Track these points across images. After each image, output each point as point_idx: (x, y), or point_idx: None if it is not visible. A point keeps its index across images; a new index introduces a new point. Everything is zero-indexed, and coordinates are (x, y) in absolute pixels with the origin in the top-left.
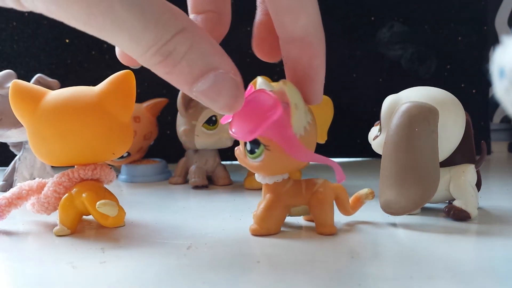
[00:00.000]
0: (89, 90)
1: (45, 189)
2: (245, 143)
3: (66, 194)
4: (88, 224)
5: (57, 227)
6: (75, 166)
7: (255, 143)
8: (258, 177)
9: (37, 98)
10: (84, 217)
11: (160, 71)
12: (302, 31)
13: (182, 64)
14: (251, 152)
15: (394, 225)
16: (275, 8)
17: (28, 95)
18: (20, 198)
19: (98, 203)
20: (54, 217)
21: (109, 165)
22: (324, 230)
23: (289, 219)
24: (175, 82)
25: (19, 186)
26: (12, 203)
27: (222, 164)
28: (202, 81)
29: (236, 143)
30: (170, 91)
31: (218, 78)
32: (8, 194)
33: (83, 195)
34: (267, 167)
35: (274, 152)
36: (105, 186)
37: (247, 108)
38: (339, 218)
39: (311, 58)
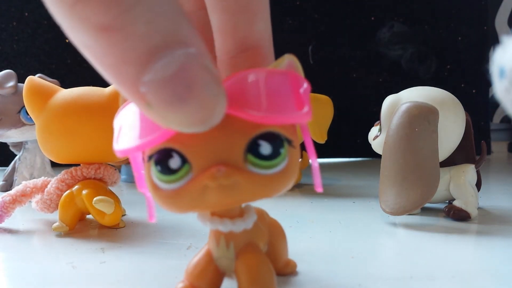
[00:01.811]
0: (99, 91)
1: (48, 186)
2: (251, 147)
3: (67, 192)
4: (88, 224)
5: (56, 223)
6: (80, 165)
7: (277, 139)
8: (223, 224)
9: (48, 94)
10: (85, 217)
11: (90, 27)
12: (258, 38)
13: (135, 15)
14: (274, 155)
15: (394, 225)
16: (230, 5)
17: (39, 91)
18: (24, 195)
19: (94, 199)
20: (55, 217)
21: (111, 165)
22: None
23: (287, 214)
24: (111, 58)
25: (24, 183)
26: (16, 200)
27: None
28: (163, 60)
29: None
30: None
31: (188, 61)
32: (12, 191)
33: (83, 192)
34: (287, 177)
35: (296, 150)
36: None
37: (263, 86)
38: (338, 217)
39: None
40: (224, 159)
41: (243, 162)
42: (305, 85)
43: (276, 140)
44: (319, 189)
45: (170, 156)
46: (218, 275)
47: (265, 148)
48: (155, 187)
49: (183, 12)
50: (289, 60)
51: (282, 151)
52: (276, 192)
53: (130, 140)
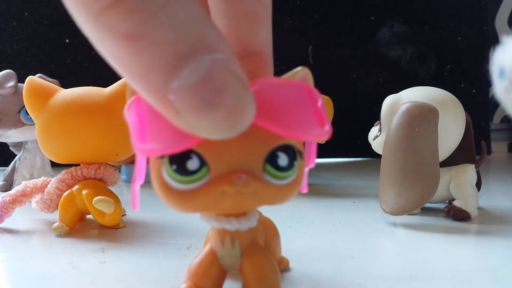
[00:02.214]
0: (99, 91)
1: (48, 186)
2: (270, 158)
3: (67, 192)
4: (88, 224)
5: (56, 223)
6: (80, 165)
7: (292, 151)
8: (229, 223)
9: (48, 94)
10: (85, 217)
11: (116, 35)
12: (260, 44)
13: (160, 22)
14: (289, 167)
15: (394, 225)
16: (234, 12)
17: (39, 91)
18: (24, 195)
19: (94, 199)
20: (55, 217)
21: (111, 165)
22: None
23: (287, 214)
24: (139, 65)
25: (24, 183)
26: (16, 200)
27: None
28: (191, 66)
29: None
30: None
31: (216, 67)
32: (12, 191)
33: (83, 192)
34: (296, 188)
35: (303, 161)
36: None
37: (278, 98)
38: (338, 217)
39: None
40: (244, 166)
41: (261, 171)
42: (321, 99)
43: (291, 153)
44: (304, 190)
45: (188, 157)
46: (222, 274)
47: (283, 160)
48: (165, 186)
49: (209, 18)
50: (304, 73)
51: (295, 163)
52: (285, 201)
53: (156, 141)
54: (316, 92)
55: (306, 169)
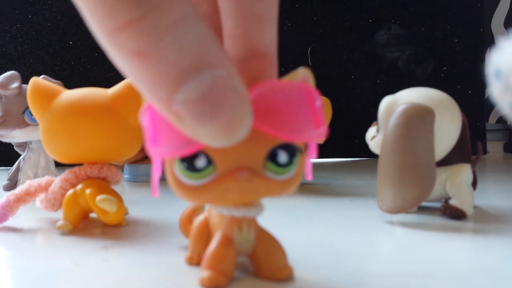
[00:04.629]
0: (102, 92)
1: (52, 185)
2: (271, 156)
3: (71, 191)
4: (91, 222)
5: (60, 222)
6: (84, 164)
7: (292, 149)
8: (238, 210)
9: (52, 95)
10: (89, 216)
11: (126, 53)
12: (267, 45)
13: (166, 43)
14: (288, 163)
15: (391, 223)
16: (243, 13)
17: (43, 92)
18: (28, 194)
19: (97, 198)
20: (58, 215)
21: (114, 165)
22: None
23: (285, 213)
24: (147, 79)
25: (28, 182)
26: (20, 199)
27: None
28: (193, 82)
29: None
30: None
31: (216, 82)
32: (17, 190)
33: (87, 191)
34: (295, 182)
35: (304, 157)
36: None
37: (274, 100)
38: (336, 216)
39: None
40: (247, 164)
41: (262, 168)
42: (319, 100)
43: (291, 150)
44: (309, 177)
45: (196, 157)
46: (236, 259)
47: (283, 157)
48: (178, 181)
49: (213, 38)
50: (304, 74)
51: (295, 160)
52: (285, 193)
53: (166, 145)
54: (315, 93)
55: (311, 159)
